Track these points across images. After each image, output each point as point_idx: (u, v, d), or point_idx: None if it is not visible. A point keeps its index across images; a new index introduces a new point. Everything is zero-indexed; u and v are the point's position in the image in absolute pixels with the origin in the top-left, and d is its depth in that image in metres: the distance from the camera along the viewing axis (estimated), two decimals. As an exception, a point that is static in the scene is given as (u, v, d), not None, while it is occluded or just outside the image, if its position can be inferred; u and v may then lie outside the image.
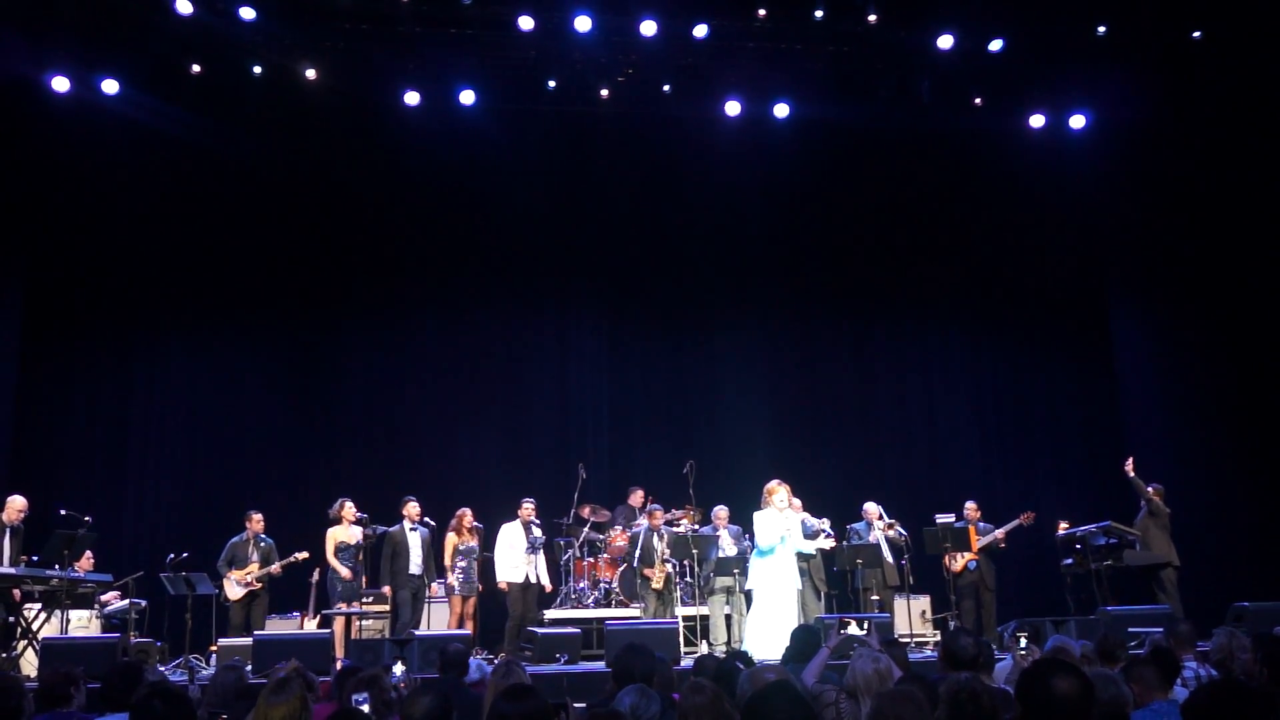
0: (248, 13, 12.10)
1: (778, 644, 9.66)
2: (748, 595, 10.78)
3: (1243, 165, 13.58)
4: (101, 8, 11.98)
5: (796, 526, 10.65)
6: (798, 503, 11.09)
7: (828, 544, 11.21)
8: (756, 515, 10.54)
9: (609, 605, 12.02)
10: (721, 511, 11.49)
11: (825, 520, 11.31)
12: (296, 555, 11.14)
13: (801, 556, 10.88)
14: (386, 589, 11.01)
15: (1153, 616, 9.67)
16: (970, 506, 12.05)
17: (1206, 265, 14.05)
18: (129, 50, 12.51)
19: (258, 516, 11.28)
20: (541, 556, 11.62)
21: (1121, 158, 14.26)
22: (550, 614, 11.67)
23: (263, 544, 11.19)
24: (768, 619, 10.20)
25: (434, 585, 11.62)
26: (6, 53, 12.02)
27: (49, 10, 11.89)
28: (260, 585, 11.05)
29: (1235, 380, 13.84)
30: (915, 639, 11.16)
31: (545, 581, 11.60)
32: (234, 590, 10.94)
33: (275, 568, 11.09)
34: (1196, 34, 12.89)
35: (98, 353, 13.64)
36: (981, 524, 11.94)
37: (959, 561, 11.71)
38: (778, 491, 10.46)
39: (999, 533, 11.85)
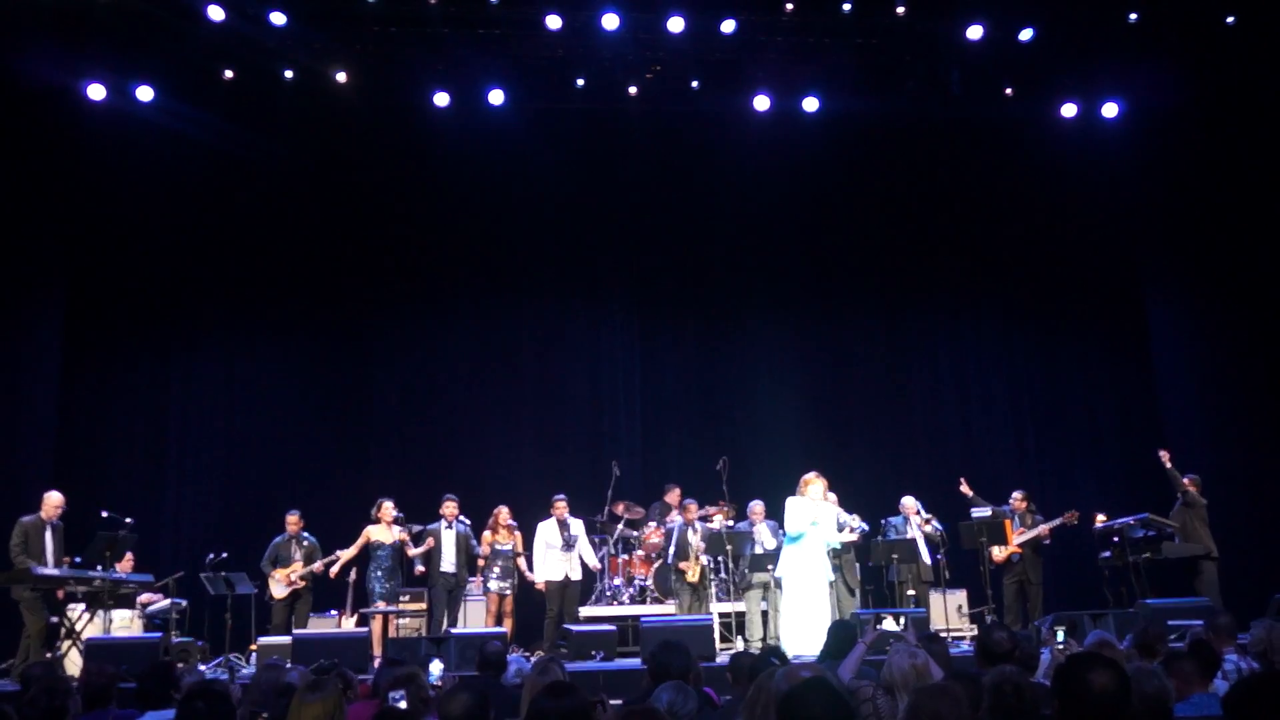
0: (278, 18, 12.23)
1: (810, 636, 9.69)
2: (779, 583, 10.78)
3: (1278, 151, 13.39)
4: (135, 16, 12.12)
5: (828, 517, 10.60)
6: (833, 497, 11.07)
7: (851, 536, 11.13)
8: (789, 501, 10.54)
9: (644, 602, 12.04)
10: (758, 506, 11.49)
11: (855, 516, 11.27)
12: (338, 554, 11.25)
13: (835, 553, 10.87)
14: (420, 568, 11.04)
15: (1192, 609, 9.55)
16: (1017, 497, 11.94)
17: (1242, 253, 13.87)
18: (162, 57, 12.67)
19: (294, 516, 11.40)
20: (585, 545, 11.69)
21: (1155, 146, 14.12)
22: (586, 611, 11.71)
23: (305, 542, 11.31)
24: (800, 610, 10.20)
25: (471, 582, 11.71)
26: (44, 61, 12.20)
27: (84, 19, 12.06)
28: (304, 584, 11.16)
29: (1273, 368, 13.66)
30: (952, 634, 11.10)
31: (592, 562, 11.72)
32: (278, 589, 11.08)
33: (317, 566, 11.19)
34: (1230, 19, 12.74)
35: (137, 355, 13.80)
36: (1038, 515, 11.83)
37: (1003, 552, 11.60)
38: (814, 483, 10.45)
39: (1044, 528, 11.70)
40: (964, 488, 11.98)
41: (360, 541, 11.22)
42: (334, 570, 11.27)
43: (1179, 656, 4.95)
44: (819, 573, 10.40)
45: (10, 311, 12.93)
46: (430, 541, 11.21)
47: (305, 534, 11.37)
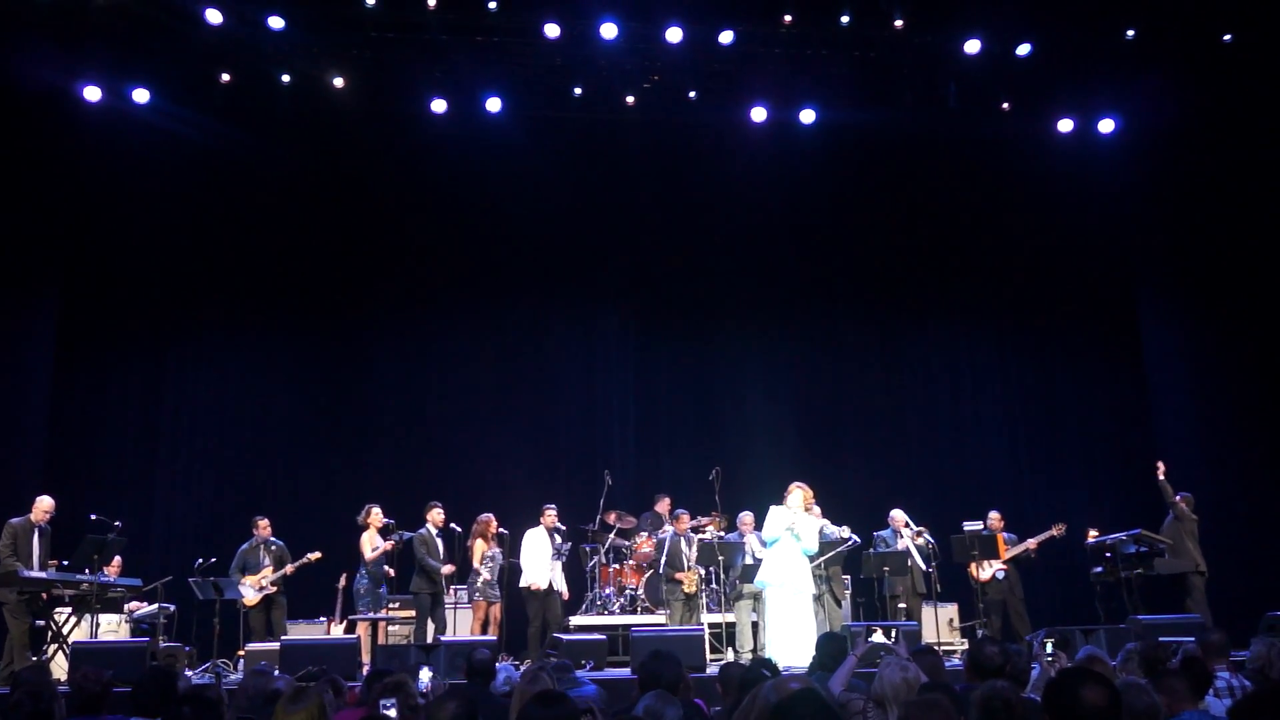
0: (276, 22, 12.21)
1: (795, 646, 9.67)
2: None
3: (1273, 168, 13.43)
4: (132, 18, 12.12)
5: (806, 527, 10.51)
6: (818, 510, 11.00)
7: (814, 544, 10.90)
8: (771, 509, 10.54)
9: (635, 612, 12.01)
10: (747, 517, 11.45)
11: (845, 528, 11.21)
12: (309, 556, 11.22)
13: (823, 565, 10.83)
14: (449, 567, 10.95)
15: (1184, 626, 9.54)
16: (994, 516, 11.92)
17: (1237, 269, 13.90)
18: (159, 60, 12.67)
19: (264, 521, 11.39)
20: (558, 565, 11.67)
21: (1151, 162, 14.16)
22: (576, 620, 11.68)
23: (274, 547, 11.28)
24: (782, 620, 10.14)
25: (453, 590, 11.67)
26: (40, 63, 12.19)
27: (81, 21, 12.04)
28: (276, 589, 11.11)
29: (1267, 385, 13.67)
30: (943, 647, 11.05)
31: (563, 588, 11.65)
32: (250, 596, 11.01)
33: (290, 568, 11.15)
34: (1226, 37, 12.78)
35: (129, 359, 13.77)
36: (1007, 534, 11.84)
37: (987, 571, 11.61)
38: (793, 492, 10.42)
39: (1031, 543, 11.73)
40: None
41: (369, 549, 11.13)
42: (369, 558, 11.13)
43: (1170, 673, 4.92)
44: (798, 582, 10.32)
45: (3, 314, 12.90)
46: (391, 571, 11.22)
47: (273, 539, 11.33)
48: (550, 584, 11.39)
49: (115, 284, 13.63)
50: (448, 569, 10.98)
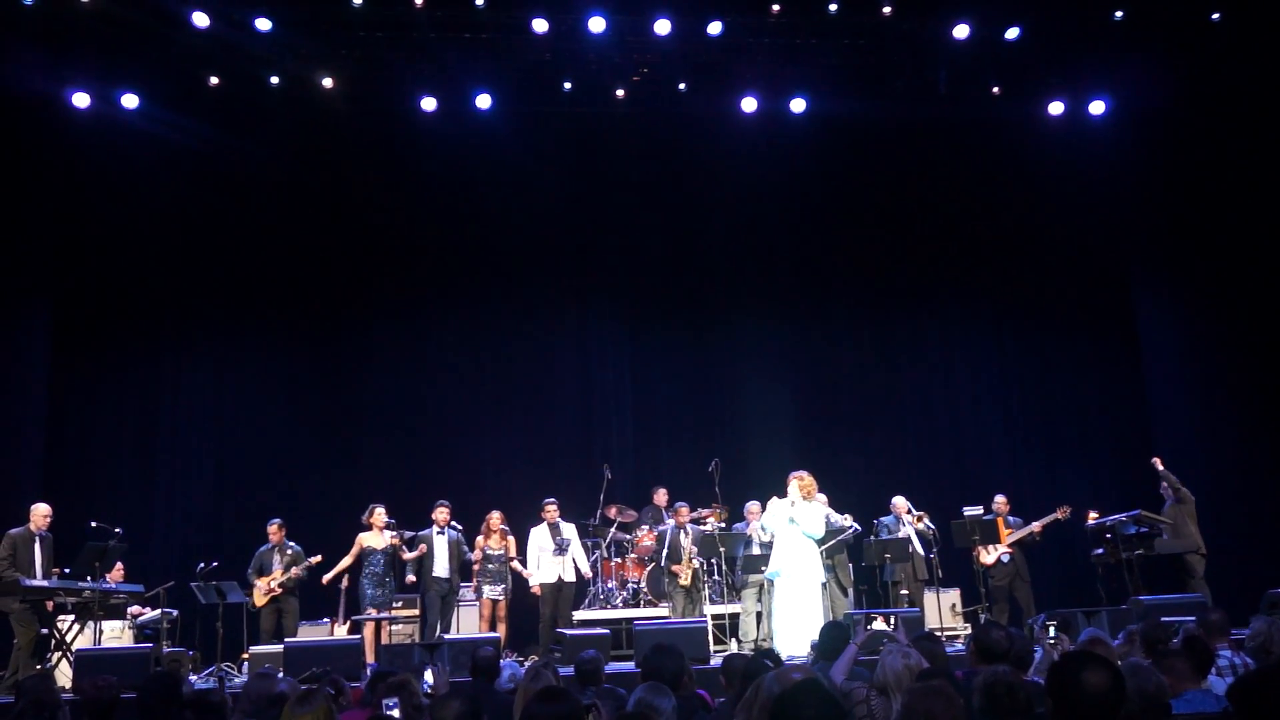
0: (264, 24, 12.17)
1: (802, 635, 9.70)
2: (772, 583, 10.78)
3: (1266, 148, 13.43)
4: (119, 23, 12.05)
5: (808, 513, 10.55)
6: (822, 497, 11.01)
7: (819, 529, 10.91)
8: (772, 500, 10.63)
9: (637, 605, 12.02)
10: (754, 506, 11.47)
11: (847, 516, 11.21)
12: (310, 560, 11.24)
13: (827, 553, 10.85)
14: (410, 577, 11.11)
15: (1185, 605, 9.55)
16: (999, 500, 12.00)
17: (1232, 250, 13.90)
18: (147, 64, 12.63)
19: (275, 526, 11.43)
20: (579, 550, 11.68)
21: (1143, 143, 14.16)
22: (579, 615, 11.69)
23: (289, 550, 11.31)
24: (789, 608, 10.18)
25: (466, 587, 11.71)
26: (28, 69, 12.16)
27: (68, 27, 12.00)
28: (281, 590, 11.14)
29: (1263, 366, 13.69)
30: (945, 633, 11.08)
31: (585, 569, 11.72)
32: (258, 597, 11.08)
33: (295, 571, 11.18)
34: (1215, 16, 12.77)
35: (125, 364, 13.74)
36: (1011, 518, 11.87)
37: (991, 555, 11.63)
38: (791, 484, 10.48)
39: (1035, 526, 11.76)
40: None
41: (355, 550, 11.22)
42: (326, 577, 11.28)
43: (1172, 653, 4.94)
44: (807, 570, 10.35)
45: (-2, 322, 12.88)
46: (422, 548, 11.21)
47: (289, 542, 11.38)
48: (559, 578, 11.41)
49: (109, 289, 13.60)
50: (405, 607, 11.25)
